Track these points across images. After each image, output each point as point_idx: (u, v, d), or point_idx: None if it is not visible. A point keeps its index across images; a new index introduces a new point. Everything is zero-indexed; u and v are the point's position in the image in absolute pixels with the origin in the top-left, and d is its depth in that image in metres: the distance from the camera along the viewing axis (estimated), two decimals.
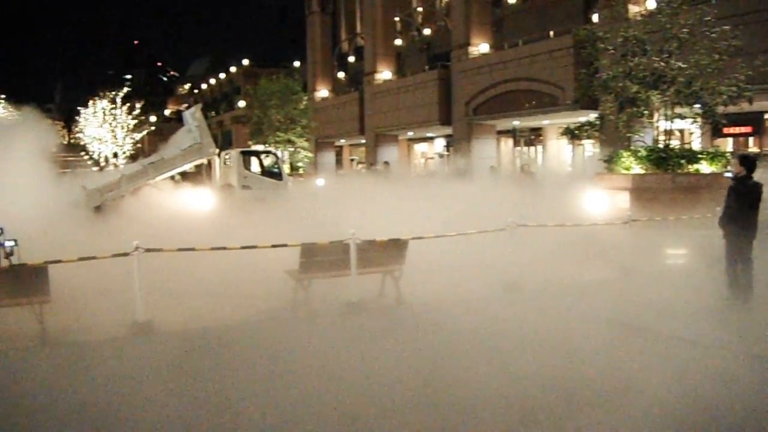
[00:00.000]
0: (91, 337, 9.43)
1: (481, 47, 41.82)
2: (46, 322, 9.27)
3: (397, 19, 55.07)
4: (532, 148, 45.90)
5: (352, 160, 60.49)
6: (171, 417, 6.37)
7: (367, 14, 54.26)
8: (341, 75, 64.94)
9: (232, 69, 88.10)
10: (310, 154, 46.89)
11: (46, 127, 21.76)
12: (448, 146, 48.34)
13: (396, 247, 11.18)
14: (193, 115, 23.93)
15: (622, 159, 20.24)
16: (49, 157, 20.00)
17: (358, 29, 61.68)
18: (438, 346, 8.48)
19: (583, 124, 22.97)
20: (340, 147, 63.47)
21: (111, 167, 54.69)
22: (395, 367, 7.62)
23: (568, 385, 6.93)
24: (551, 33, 37.16)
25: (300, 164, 44.23)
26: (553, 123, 40.48)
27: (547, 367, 7.51)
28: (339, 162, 62.85)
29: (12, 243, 8.95)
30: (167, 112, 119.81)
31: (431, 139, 53.04)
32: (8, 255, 8.96)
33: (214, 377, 7.47)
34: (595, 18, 32.91)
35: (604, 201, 19.14)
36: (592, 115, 23.93)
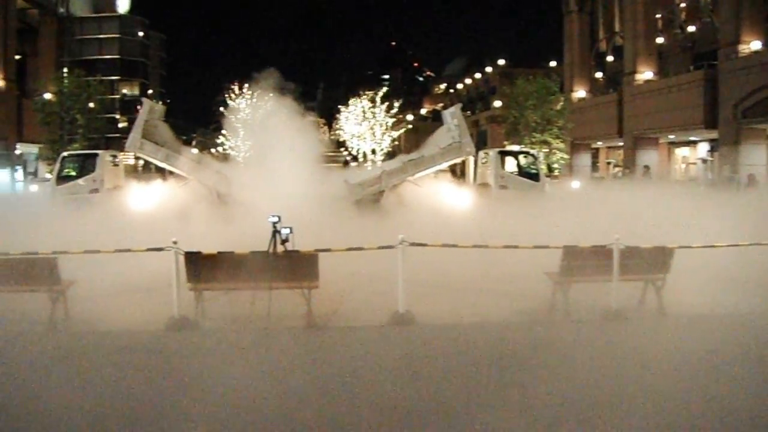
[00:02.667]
0: (353, 323, 9.86)
1: (752, 44, 38.86)
2: (313, 306, 9.76)
3: (658, 16, 52.64)
4: None
5: (608, 163, 58.68)
6: (424, 409, 6.46)
7: (627, 12, 52.52)
8: (599, 75, 63.21)
9: (488, 69, 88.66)
10: (565, 156, 46.11)
11: (311, 125, 23.13)
12: (712, 151, 45.43)
13: (661, 254, 10.66)
14: (453, 115, 24.36)
15: None
16: (315, 153, 21.27)
17: (617, 28, 59.67)
18: (711, 364, 7.90)
19: None
20: (597, 149, 61.77)
21: (369, 164, 57.11)
22: (675, 385, 7.20)
23: None
24: None
25: (555, 166, 43.63)
26: None
27: None
28: (595, 165, 61.16)
29: (288, 230, 9.50)
30: (423, 111, 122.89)
31: (694, 143, 50.12)
32: (284, 241, 9.52)
33: (467, 374, 7.48)
34: None
35: None
36: None
